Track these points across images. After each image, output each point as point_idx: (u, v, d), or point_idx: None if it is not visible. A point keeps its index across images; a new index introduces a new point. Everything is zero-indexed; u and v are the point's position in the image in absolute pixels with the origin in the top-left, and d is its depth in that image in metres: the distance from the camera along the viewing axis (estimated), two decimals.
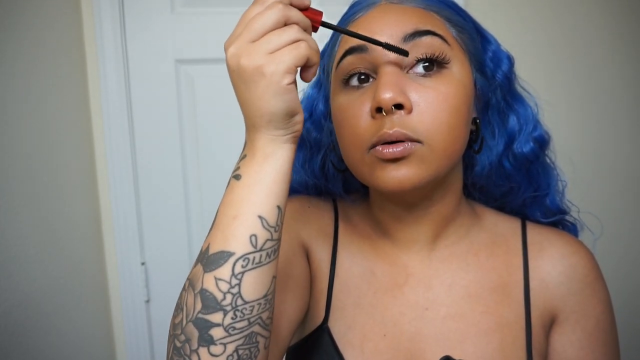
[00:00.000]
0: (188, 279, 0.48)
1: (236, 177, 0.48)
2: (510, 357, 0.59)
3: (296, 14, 0.46)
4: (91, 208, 1.49)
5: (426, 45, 0.56)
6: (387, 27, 0.57)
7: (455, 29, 0.60)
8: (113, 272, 1.55)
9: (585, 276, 0.64)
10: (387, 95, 0.53)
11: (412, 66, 0.56)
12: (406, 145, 0.54)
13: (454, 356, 0.59)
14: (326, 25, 0.51)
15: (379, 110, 0.54)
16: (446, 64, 0.57)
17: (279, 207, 0.47)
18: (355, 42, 0.57)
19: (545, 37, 1.59)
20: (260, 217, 0.46)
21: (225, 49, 0.46)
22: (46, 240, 1.20)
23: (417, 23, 0.57)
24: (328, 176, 0.71)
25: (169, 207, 1.56)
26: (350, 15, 0.62)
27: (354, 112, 0.57)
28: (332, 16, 0.64)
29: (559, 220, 0.70)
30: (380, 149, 0.54)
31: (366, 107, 0.56)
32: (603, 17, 1.60)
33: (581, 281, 0.63)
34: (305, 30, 0.47)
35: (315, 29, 0.49)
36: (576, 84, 1.62)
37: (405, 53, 0.55)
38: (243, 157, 0.48)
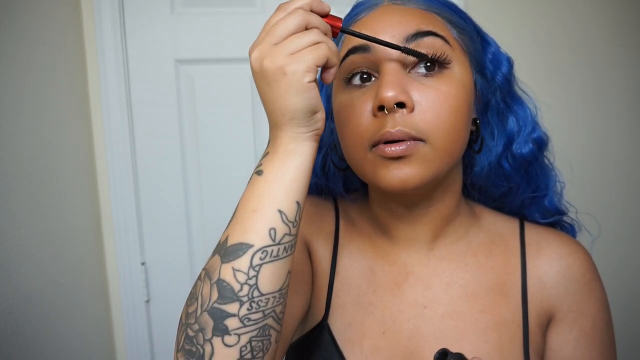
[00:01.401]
0: (204, 269, 0.48)
1: (258, 172, 0.49)
2: (507, 356, 0.60)
3: (316, 19, 0.48)
4: (91, 208, 1.49)
5: (428, 46, 0.57)
6: (390, 27, 0.57)
7: (456, 30, 0.61)
8: (113, 272, 1.56)
9: (582, 276, 0.64)
10: (390, 94, 0.53)
11: (414, 66, 0.57)
12: (409, 144, 0.54)
13: (451, 350, 0.59)
14: (346, 31, 0.52)
15: (381, 108, 0.55)
16: (447, 64, 0.57)
17: (298, 203, 0.48)
18: (359, 41, 0.58)
19: (545, 39, 1.59)
20: (280, 211, 0.47)
21: (249, 53, 0.48)
22: (46, 240, 1.21)
23: (419, 24, 0.58)
24: (329, 175, 0.71)
25: (169, 207, 1.57)
26: (353, 15, 0.62)
27: (356, 110, 0.57)
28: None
29: (557, 220, 0.71)
30: (383, 147, 0.55)
31: (368, 106, 0.57)
32: (604, 19, 1.60)
33: (578, 281, 0.64)
34: (325, 34, 0.48)
35: (335, 35, 0.51)
36: (576, 85, 1.62)
37: (424, 56, 0.56)
38: (266, 154, 0.50)
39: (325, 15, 0.50)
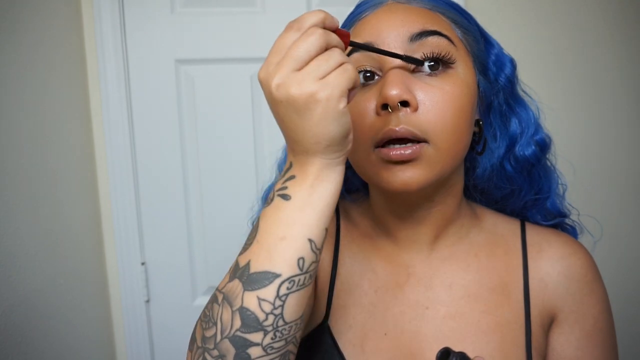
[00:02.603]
0: (222, 292, 0.47)
1: (284, 197, 0.47)
2: (509, 357, 0.60)
3: (334, 38, 0.45)
4: (91, 208, 1.49)
5: (432, 45, 0.56)
6: (394, 26, 0.57)
7: (461, 30, 0.60)
8: (113, 272, 1.56)
9: (583, 276, 0.64)
10: (394, 92, 0.53)
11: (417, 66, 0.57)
12: (414, 147, 0.54)
13: (453, 349, 0.59)
14: (354, 44, 0.51)
15: (384, 107, 0.55)
16: (452, 64, 0.57)
17: (326, 229, 0.47)
18: (362, 38, 0.58)
19: (546, 40, 1.59)
20: (310, 240, 0.46)
21: (264, 80, 0.44)
22: (46, 240, 1.20)
23: (424, 23, 0.57)
24: None
25: (169, 207, 1.57)
26: (357, 14, 0.62)
27: (359, 109, 0.57)
28: (336, 16, 0.65)
29: (559, 223, 0.71)
30: (387, 150, 0.54)
31: (371, 104, 0.56)
32: (606, 20, 1.60)
33: (579, 281, 0.64)
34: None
35: (348, 38, 0.49)
36: (578, 87, 1.62)
37: (420, 63, 0.55)
38: (291, 177, 0.47)
39: (334, 30, 0.47)
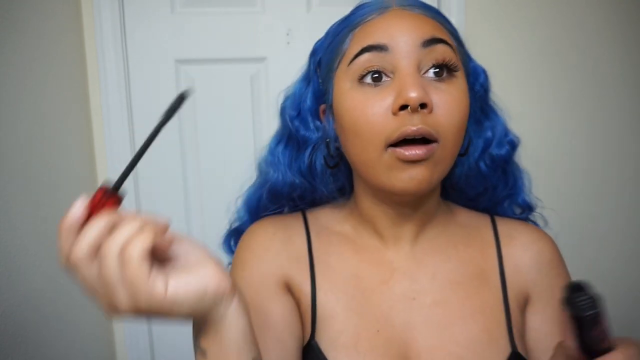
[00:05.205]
0: None
1: (202, 352, 0.50)
2: (494, 336, 0.64)
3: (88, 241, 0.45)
4: None
5: (440, 52, 0.59)
6: (407, 30, 0.59)
7: (456, 41, 0.64)
8: None
9: (551, 260, 0.70)
10: (415, 94, 0.55)
11: (425, 71, 0.60)
12: (428, 147, 0.57)
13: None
14: (118, 185, 0.47)
15: (403, 107, 0.57)
16: (455, 71, 0.61)
17: (254, 358, 0.50)
18: (376, 40, 0.60)
19: (547, 40, 1.59)
20: None
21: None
22: (46, 240, 1.21)
23: (432, 31, 0.60)
24: (315, 174, 0.71)
25: (169, 207, 1.57)
26: (359, 16, 0.63)
27: (373, 109, 0.58)
28: (337, 16, 0.68)
29: (527, 216, 0.76)
30: (402, 150, 0.57)
31: (385, 104, 0.58)
32: (606, 20, 1.60)
33: (548, 264, 0.69)
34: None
35: (119, 202, 0.47)
36: (579, 86, 1.61)
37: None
38: (199, 330, 0.50)
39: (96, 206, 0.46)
